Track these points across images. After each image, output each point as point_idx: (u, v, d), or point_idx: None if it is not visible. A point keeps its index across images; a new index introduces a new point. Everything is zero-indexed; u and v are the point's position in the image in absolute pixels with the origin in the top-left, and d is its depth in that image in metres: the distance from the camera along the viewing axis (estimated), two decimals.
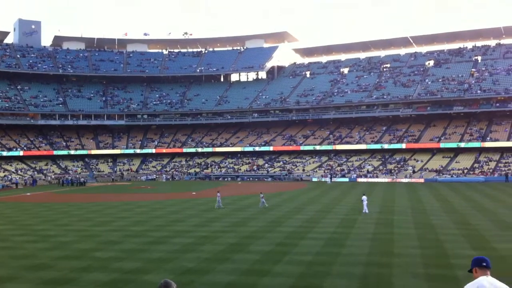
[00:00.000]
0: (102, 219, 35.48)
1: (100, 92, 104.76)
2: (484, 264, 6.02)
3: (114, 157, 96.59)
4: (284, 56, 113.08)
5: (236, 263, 20.13)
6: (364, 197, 36.83)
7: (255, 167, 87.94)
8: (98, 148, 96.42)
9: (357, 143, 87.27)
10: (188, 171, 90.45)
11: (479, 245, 22.75)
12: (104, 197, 55.19)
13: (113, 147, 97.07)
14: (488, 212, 34.87)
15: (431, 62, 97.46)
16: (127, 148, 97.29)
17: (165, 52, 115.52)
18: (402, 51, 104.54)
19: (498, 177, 68.42)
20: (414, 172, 75.99)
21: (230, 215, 35.97)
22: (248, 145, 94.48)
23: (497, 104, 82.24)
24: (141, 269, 19.37)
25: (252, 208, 39.83)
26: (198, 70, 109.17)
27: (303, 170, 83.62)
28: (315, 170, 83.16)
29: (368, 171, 78.71)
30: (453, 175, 72.31)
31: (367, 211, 35.81)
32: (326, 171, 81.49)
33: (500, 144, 76.57)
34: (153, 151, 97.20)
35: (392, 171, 77.67)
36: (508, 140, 76.98)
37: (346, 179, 75.82)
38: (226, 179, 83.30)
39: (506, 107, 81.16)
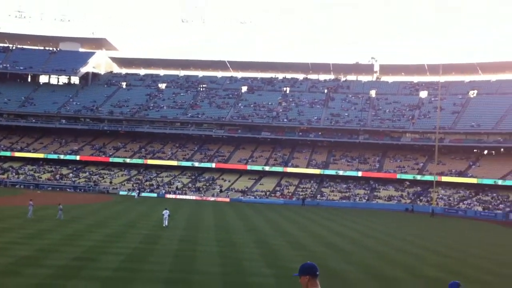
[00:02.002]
0: None
1: None
2: (318, 273, 5.82)
3: None
4: (100, 64, 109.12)
5: (25, 277, 18.27)
6: (166, 211, 37.04)
7: (57, 176, 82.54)
8: None
9: (168, 159, 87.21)
10: None
11: (274, 263, 23.83)
12: None
13: None
14: (285, 233, 37.01)
15: (245, 88, 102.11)
16: None
17: None
18: (219, 73, 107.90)
19: (296, 201, 73.63)
20: (221, 191, 78.21)
21: (25, 226, 32.92)
22: (52, 152, 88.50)
23: (300, 133, 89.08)
24: None
25: (50, 220, 37.01)
26: (1, 66, 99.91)
27: (111, 182, 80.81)
28: (123, 184, 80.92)
29: (177, 188, 78.95)
30: (257, 197, 76.04)
31: (167, 224, 36.27)
32: (134, 185, 79.82)
33: (300, 170, 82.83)
34: None
35: (201, 189, 79.00)
36: (307, 167, 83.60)
37: (155, 195, 75.07)
38: (22, 187, 76.73)
39: (307, 137, 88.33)
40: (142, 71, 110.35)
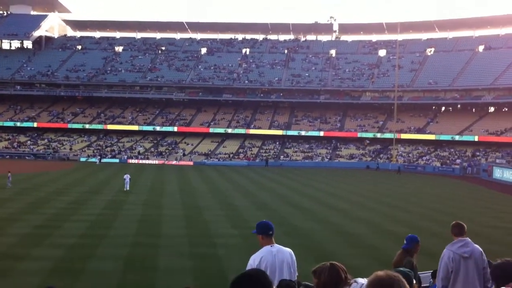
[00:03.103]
0: None
1: None
2: (271, 232, 6.00)
3: None
4: (54, 27, 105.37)
5: None
6: (127, 176, 37.12)
7: (15, 144, 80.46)
8: None
9: (129, 123, 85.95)
10: None
11: (240, 224, 24.05)
12: None
13: None
14: (249, 194, 37.31)
15: (205, 50, 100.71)
16: None
17: None
18: (178, 35, 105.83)
19: (259, 162, 74.03)
20: (184, 155, 77.87)
21: None
22: (8, 119, 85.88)
23: (261, 95, 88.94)
24: None
25: (8, 189, 36.18)
26: None
27: (71, 149, 79.30)
28: (83, 150, 79.55)
29: (139, 153, 78.17)
30: (220, 159, 76.10)
31: (128, 188, 36.66)
32: (95, 151, 78.60)
33: (262, 132, 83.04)
34: None
35: (163, 153, 78.45)
36: (269, 128, 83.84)
37: (116, 160, 74.19)
38: None
39: (269, 98, 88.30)
40: (97, 34, 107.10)
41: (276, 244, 5.99)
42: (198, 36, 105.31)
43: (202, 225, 23.90)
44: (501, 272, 3.94)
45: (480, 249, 7.12)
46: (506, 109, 78.87)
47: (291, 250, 6.06)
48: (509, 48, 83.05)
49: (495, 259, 4.82)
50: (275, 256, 5.78)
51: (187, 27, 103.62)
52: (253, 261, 5.81)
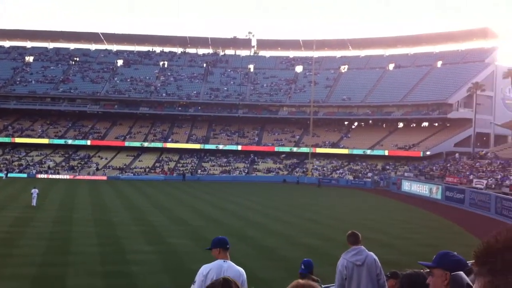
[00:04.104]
0: None
1: None
2: (228, 246, 6.07)
3: None
4: None
5: None
6: (34, 190, 35.48)
7: None
8: None
9: (39, 136, 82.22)
10: None
11: (154, 240, 23.49)
12: None
13: None
14: (165, 209, 36.63)
15: (121, 61, 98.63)
16: None
17: None
18: (93, 46, 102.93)
19: (177, 176, 73.13)
20: (97, 169, 75.45)
21: None
22: None
23: (179, 108, 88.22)
24: None
25: None
26: None
27: None
28: None
29: (49, 167, 74.85)
30: (136, 174, 74.42)
31: (35, 204, 35.04)
32: (1, 165, 74.39)
33: (180, 146, 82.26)
34: None
35: (75, 167, 75.60)
36: (187, 142, 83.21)
37: (25, 175, 70.57)
38: None
39: (187, 112, 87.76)
40: (7, 43, 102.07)
41: (230, 261, 6.01)
42: (114, 47, 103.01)
43: (115, 241, 23.10)
44: (409, 282, 4.10)
45: (375, 256, 7.47)
46: (414, 125, 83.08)
47: (243, 271, 6.05)
48: (417, 66, 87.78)
49: (404, 270, 4.92)
50: (224, 272, 5.76)
51: (102, 38, 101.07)
52: (203, 270, 5.91)
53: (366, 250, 7.49)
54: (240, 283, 5.92)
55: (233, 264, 6.03)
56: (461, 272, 2.79)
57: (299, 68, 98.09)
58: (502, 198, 37.56)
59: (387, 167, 73.19)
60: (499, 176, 47.38)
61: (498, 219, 34.20)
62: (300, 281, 2.70)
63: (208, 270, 5.86)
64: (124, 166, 77.28)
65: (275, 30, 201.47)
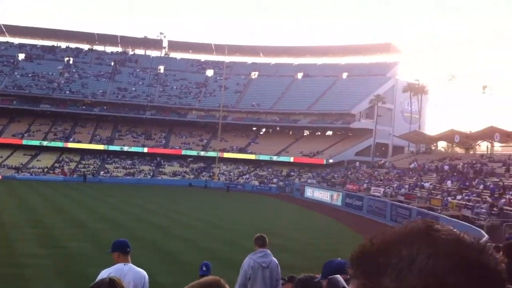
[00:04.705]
0: None
1: None
2: (128, 250, 6.01)
3: None
4: None
5: None
6: None
7: None
8: None
9: None
10: None
11: (49, 243, 22.31)
12: None
13: None
14: (62, 211, 34.98)
15: (23, 55, 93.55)
16: None
17: None
18: None
19: (77, 178, 70.27)
20: None
21: None
22: None
23: (84, 107, 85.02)
24: None
25: None
26: None
27: None
28: None
29: None
30: (33, 174, 70.69)
31: None
32: None
33: (82, 146, 79.26)
34: None
35: None
36: (90, 142, 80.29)
37: None
38: None
39: (91, 111, 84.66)
40: None
41: (131, 264, 5.93)
42: (17, 40, 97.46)
43: (7, 244, 21.67)
44: (302, 286, 4.23)
45: (277, 261, 7.72)
46: (319, 133, 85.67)
47: (145, 273, 5.98)
48: (324, 76, 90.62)
49: (300, 273, 4.90)
50: (124, 276, 5.60)
51: (4, 29, 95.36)
52: (101, 275, 5.71)
53: (271, 254, 7.74)
54: (141, 286, 5.90)
55: (135, 266, 5.95)
56: (338, 276, 2.77)
57: (210, 72, 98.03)
58: (397, 205, 39.53)
59: (292, 173, 74.76)
60: (395, 185, 49.81)
61: (393, 225, 35.84)
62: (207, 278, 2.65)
63: (108, 274, 5.61)
64: (21, 166, 73.12)
65: (188, 32, 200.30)
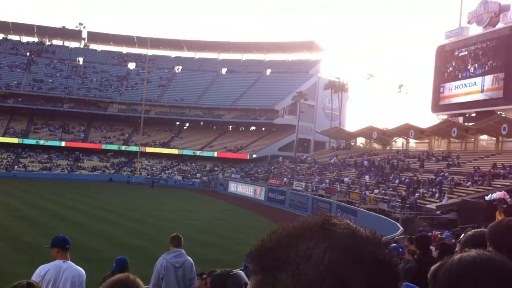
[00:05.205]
0: None
1: None
2: (68, 246, 5.90)
3: None
4: None
5: None
6: None
7: None
8: None
9: None
10: None
11: None
12: None
13: None
14: None
15: None
16: None
17: None
18: None
19: None
20: None
21: None
22: None
23: None
24: None
25: None
26: None
27: None
28: None
29: None
30: None
31: None
32: None
33: None
34: None
35: None
36: (3, 136, 76.27)
37: None
38: None
39: (5, 103, 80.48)
40: None
41: (70, 262, 5.83)
42: None
43: None
44: (219, 281, 4.40)
45: (192, 261, 7.89)
46: (243, 128, 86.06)
47: (84, 271, 5.96)
48: (248, 72, 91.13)
49: (224, 269, 4.90)
50: (63, 273, 5.57)
51: None
52: (39, 271, 5.61)
53: (186, 254, 7.85)
54: (79, 284, 5.79)
55: (73, 264, 5.86)
56: (241, 272, 2.76)
57: (132, 65, 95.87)
58: (318, 199, 40.48)
59: (216, 168, 74.66)
60: (316, 179, 50.96)
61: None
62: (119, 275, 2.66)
63: (46, 271, 5.60)
64: None
65: (109, 25, 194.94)
